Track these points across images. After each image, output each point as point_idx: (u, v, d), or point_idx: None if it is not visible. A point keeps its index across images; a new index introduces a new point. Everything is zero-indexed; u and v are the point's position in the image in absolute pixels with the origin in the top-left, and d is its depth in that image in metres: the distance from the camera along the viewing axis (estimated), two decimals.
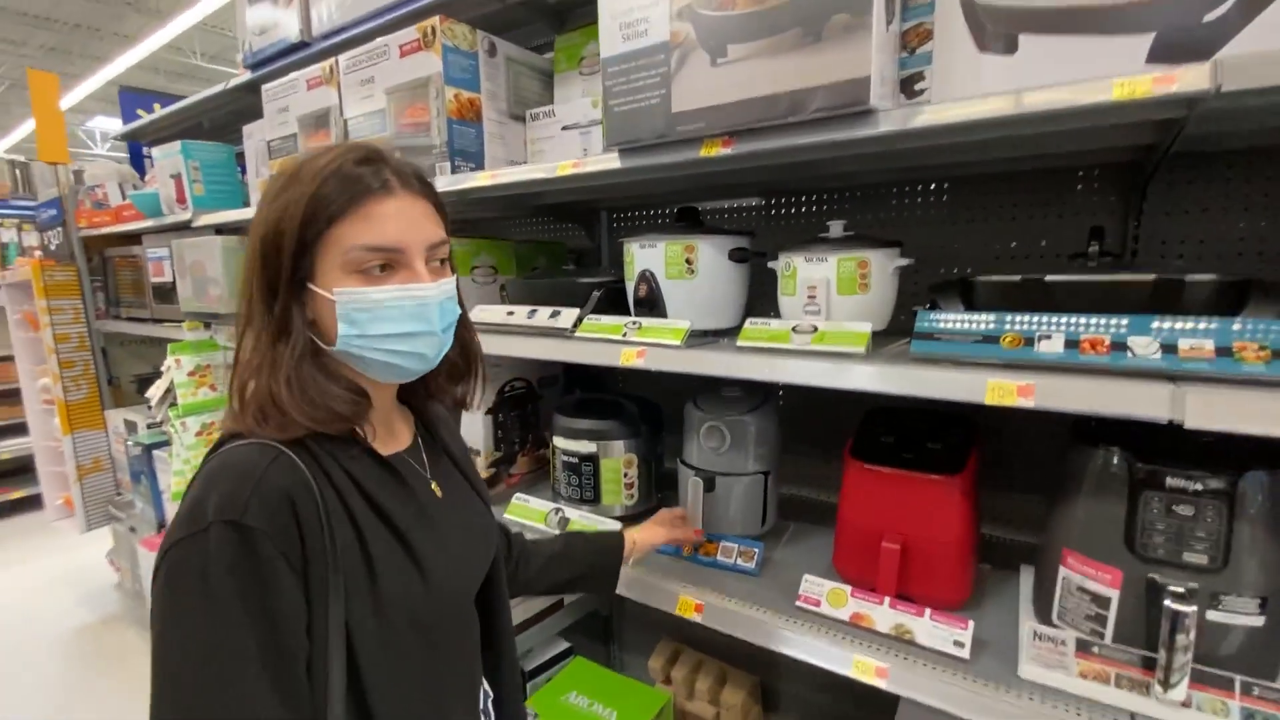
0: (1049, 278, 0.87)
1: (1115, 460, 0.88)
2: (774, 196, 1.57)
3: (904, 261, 1.05)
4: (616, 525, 1.32)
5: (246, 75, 2.08)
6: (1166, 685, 0.80)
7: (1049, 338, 0.82)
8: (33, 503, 3.99)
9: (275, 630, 0.58)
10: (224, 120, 2.64)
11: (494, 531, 0.90)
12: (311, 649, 0.62)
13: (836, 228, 1.09)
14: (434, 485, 0.80)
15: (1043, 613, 1.01)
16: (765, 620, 1.08)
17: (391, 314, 0.68)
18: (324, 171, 0.65)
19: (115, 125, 8.44)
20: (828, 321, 1.01)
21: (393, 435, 0.80)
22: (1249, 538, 0.80)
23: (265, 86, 1.85)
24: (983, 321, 0.88)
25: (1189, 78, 0.64)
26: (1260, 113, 0.79)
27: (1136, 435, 0.90)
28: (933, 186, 1.36)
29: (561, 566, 1.10)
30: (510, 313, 1.39)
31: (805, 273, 1.06)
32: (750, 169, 1.24)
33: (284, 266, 0.66)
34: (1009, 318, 0.86)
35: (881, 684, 0.95)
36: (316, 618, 0.62)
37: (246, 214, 1.98)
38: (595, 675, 1.78)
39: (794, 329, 1.02)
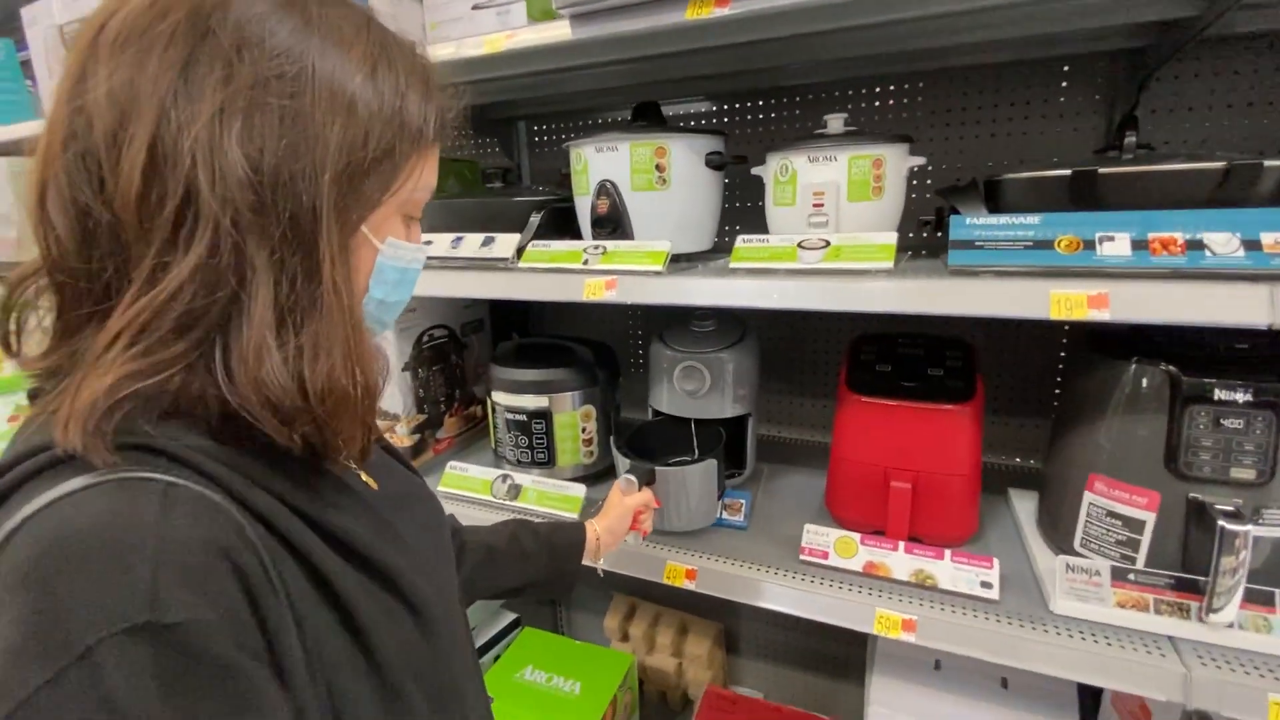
0: (1103, 170, 0.75)
1: (1156, 375, 0.80)
2: (725, 101, 1.37)
3: (918, 160, 0.90)
4: (580, 490, 1.14)
5: None
6: (1212, 608, 0.76)
7: (1112, 239, 0.70)
8: None
9: None
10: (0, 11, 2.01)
11: (440, 507, 0.68)
12: None
13: (836, 122, 0.91)
14: (363, 475, 0.56)
15: (1057, 541, 0.95)
16: (769, 580, 0.95)
17: (409, 278, 0.54)
18: (427, 75, 0.48)
19: None
20: (840, 234, 0.85)
21: None
22: None
23: None
24: (1029, 225, 0.74)
25: None
26: None
27: (1157, 345, 0.84)
28: (908, 86, 1.21)
29: (507, 568, 0.84)
30: (427, 241, 1.11)
31: (809, 176, 0.88)
32: (703, 55, 1.03)
33: (372, 182, 0.45)
34: (1059, 219, 0.74)
35: (910, 638, 0.86)
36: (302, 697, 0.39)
37: (39, 129, 1.49)
38: (548, 645, 1.63)
39: (801, 244, 0.84)
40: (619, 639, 1.74)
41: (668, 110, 1.41)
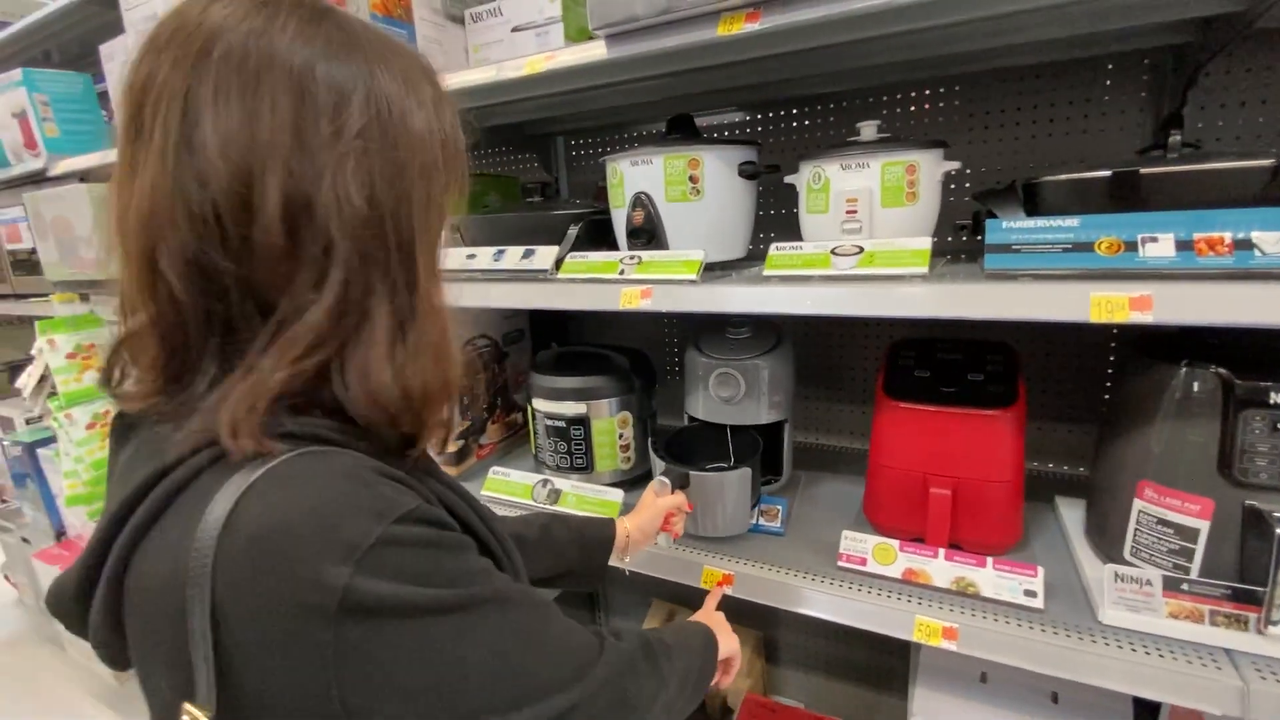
0: (1145, 170, 0.74)
1: (1208, 379, 0.78)
2: (757, 111, 1.38)
3: (952, 165, 0.90)
4: (618, 495, 1.16)
5: None
6: (1271, 620, 0.73)
7: (1155, 240, 0.69)
8: None
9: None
10: (76, 48, 2.17)
11: None
12: None
13: (869, 129, 0.92)
14: None
15: (1106, 550, 0.92)
16: (806, 586, 0.96)
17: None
18: (450, 113, 0.51)
19: None
20: (873, 240, 0.85)
21: None
22: None
23: None
24: (1069, 228, 0.74)
25: None
26: None
27: (1207, 348, 0.81)
28: (944, 90, 1.21)
29: (541, 557, 0.86)
30: (471, 255, 1.16)
31: (841, 183, 0.89)
32: (737, 68, 1.04)
33: (446, 201, 0.50)
34: (1099, 221, 0.73)
35: (951, 646, 0.85)
36: None
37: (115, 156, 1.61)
38: None
39: (834, 251, 0.85)
40: None
41: (702, 121, 1.43)
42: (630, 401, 1.25)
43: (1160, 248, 0.69)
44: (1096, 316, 0.68)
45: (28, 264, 2.02)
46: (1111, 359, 1.19)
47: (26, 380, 1.91)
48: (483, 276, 1.12)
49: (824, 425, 1.48)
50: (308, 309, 0.44)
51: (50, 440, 2.13)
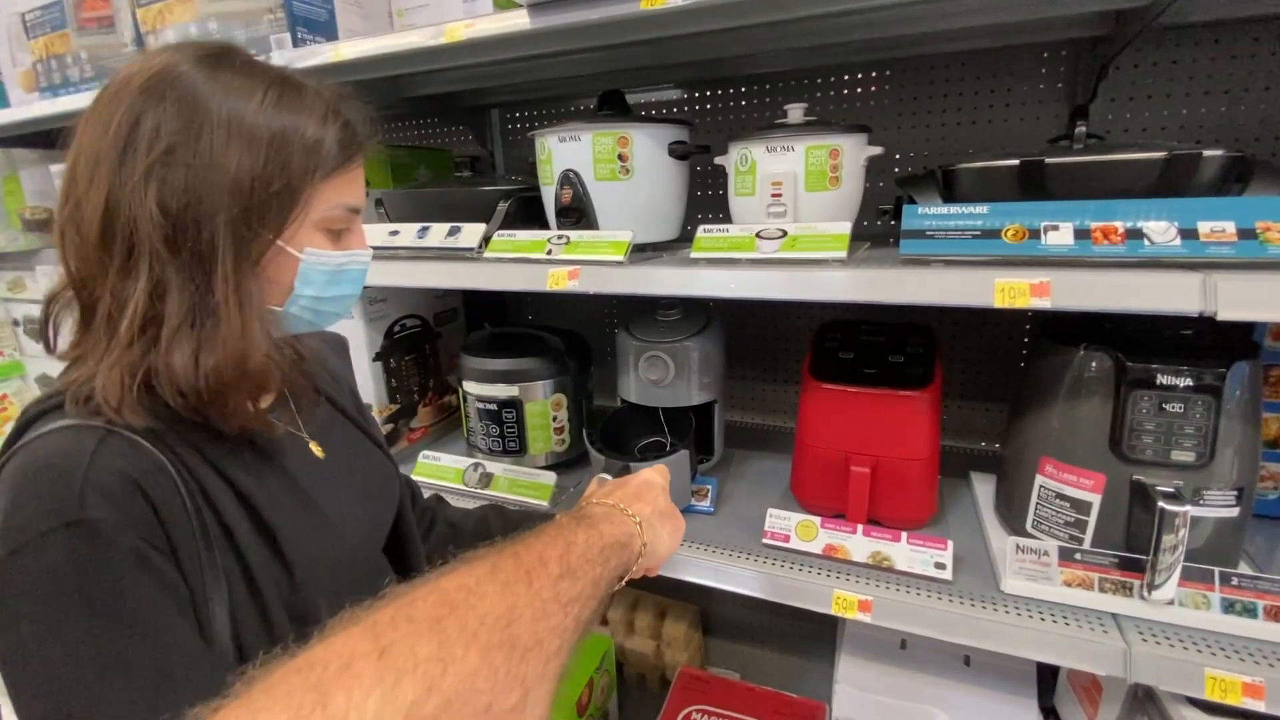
0: (1049, 160, 0.76)
1: (1100, 360, 0.82)
2: (695, 88, 1.37)
3: (875, 150, 0.91)
4: (551, 477, 1.15)
5: None
6: (1153, 584, 0.78)
7: (1056, 228, 0.72)
8: None
9: (156, 627, 0.46)
10: None
11: (394, 481, 0.81)
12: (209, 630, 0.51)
13: (796, 112, 0.92)
14: (313, 445, 0.70)
15: (1011, 523, 0.98)
16: (731, 564, 0.98)
17: (344, 278, 0.65)
18: (329, 113, 0.58)
19: None
20: (797, 224, 0.86)
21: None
22: (1230, 430, 0.78)
23: None
24: (978, 215, 0.76)
25: None
26: None
27: (1106, 332, 0.86)
28: (875, 73, 1.22)
29: (469, 547, 0.86)
30: (394, 232, 1.11)
31: (767, 166, 0.89)
32: (669, 44, 1.03)
33: (273, 212, 0.56)
34: (1006, 209, 0.75)
35: (866, 618, 0.88)
36: (202, 601, 0.51)
37: (4, 117, 1.47)
38: None
39: (759, 234, 0.85)
40: (598, 623, 1.77)
41: (638, 99, 1.41)
42: (564, 383, 1.23)
43: (1060, 236, 0.71)
44: (1000, 302, 0.70)
45: None
46: (1025, 340, 1.24)
47: None
48: (406, 254, 1.08)
49: (756, 405, 1.50)
50: (127, 302, 0.52)
51: None
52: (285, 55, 1.05)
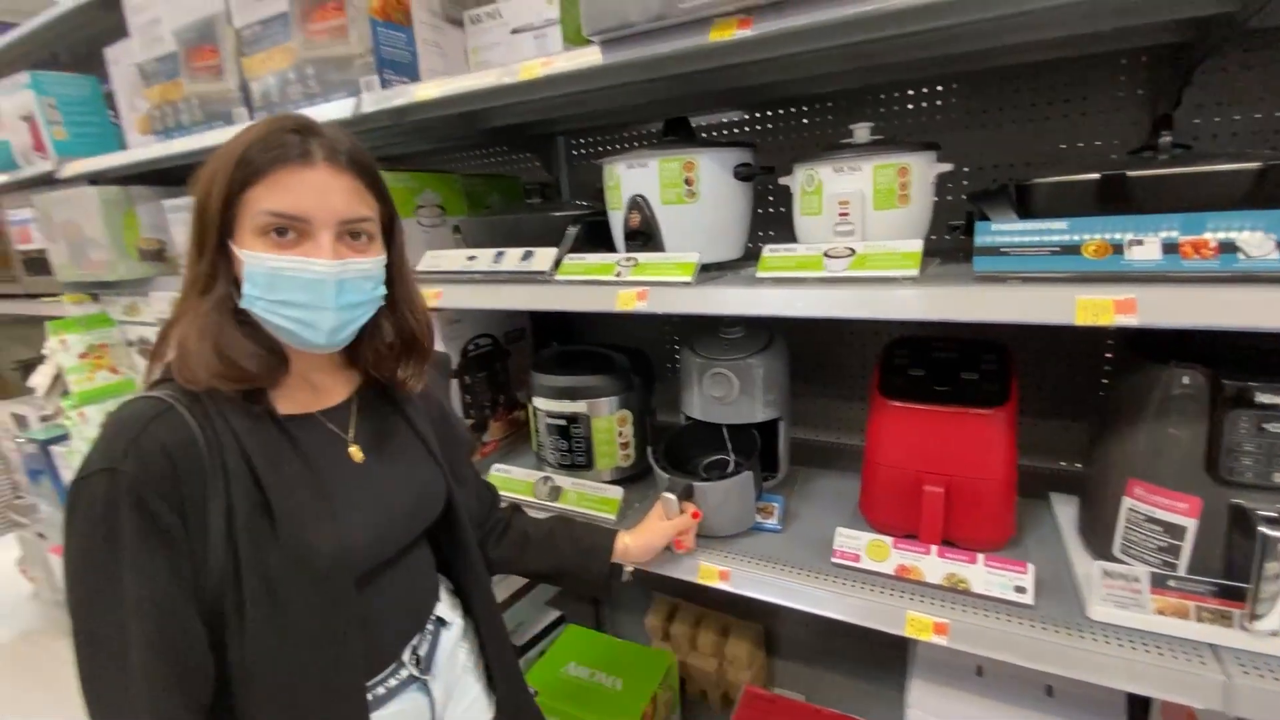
0: (1132, 173, 0.75)
1: (1196, 379, 0.79)
2: (758, 109, 1.39)
3: (945, 167, 0.91)
4: (618, 492, 1.18)
5: None
6: (1254, 615, 0.74)
7: (1141, 243, 0.70)
8: None
9: (154, 564, 0.61)
10: (84, 49, 2.19)
11: (436, 500, 0.86)
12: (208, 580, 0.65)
13: (863, 131, 0.93)
14: (354, 449, 0.78)
15: (1097, 547, 0.94)
16: (800, 583, 0.97)
17: (286, 283, 0.68)
18: (252, 135, 0.68)
19: None
20: (865, 242, 0.86)
21: (316, 394, 0.78)
22: None
23: None
24: (1057, 230, 0.75)
25: None
26: None
27: (1199, 349, 0.82)
28: (944, 87, 1.21)
29: (536, 555, 1.00)
30: (471, 257, 1.18)
31: (834, 186, 0.90)
32: (733, 70, 1.05)
33: (209, 223, 0.68)
34: (1087, 223, 0.74)
35: (942, 641, 0.86)
36: (199, 548, 0.64)
37: (124, 159, 1.63)
38: (591, 642, 1.68)
39: (826, 253, 0.86)
40: (660, 638, 1.78)
41: (700, 121, 1.44)
42: (629, 400, 1.26)
43: (1146, 250, 0.70)
44: (1082, 319, 0.69)
45: (38, 265, 2.05)
46: (1107, 356, 1.19)
47: (40, 379, 1.95)
48: (483, 278, 1.14)
49: (821, 421, 1.49)
50: None
51: (63, 438, 2.17)
52: (374, 97, 1.13)
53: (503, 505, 1.05)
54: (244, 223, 0.67)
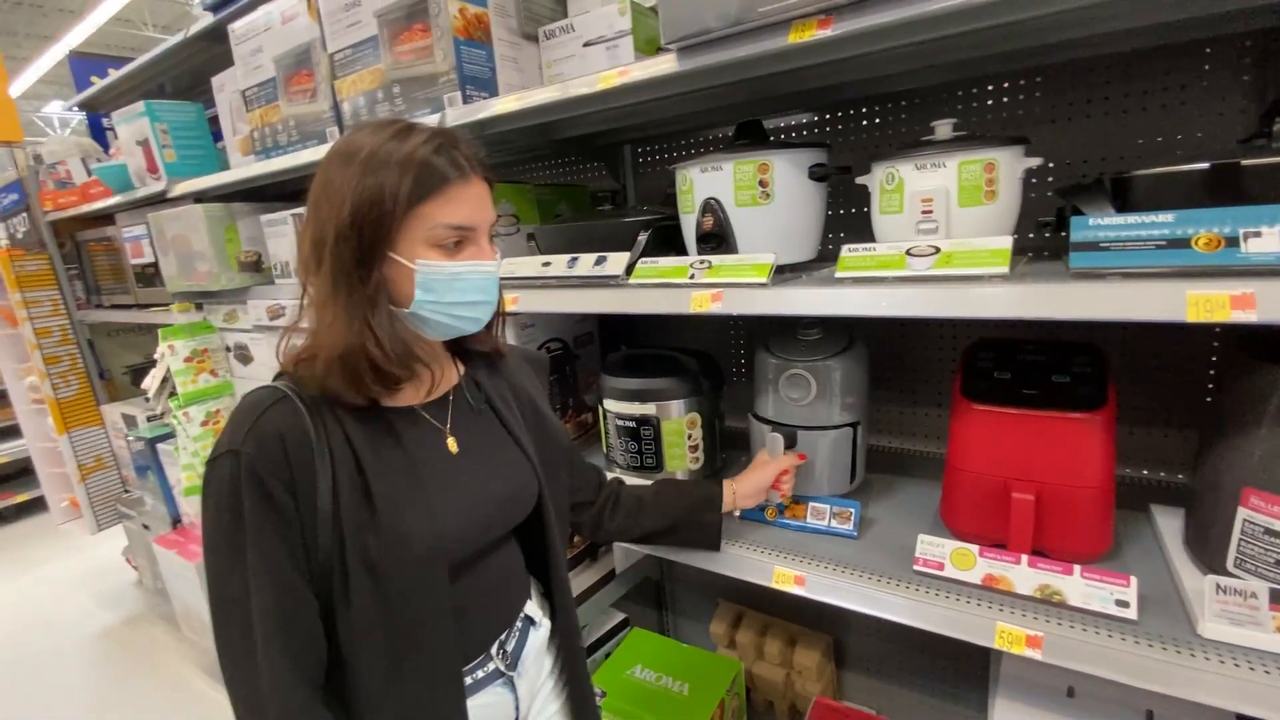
0: (1247, 161, 0.70)
1: None
2: (827, 111, 1.38)
3: (1034, 161, 0.88)
4: None
5: (207, 19, 1.83)
6: None
7: (1259, 235, 0.66)
8: (37, 505, 3.85)
9: (270, 538, 0.67)
10: (187, 80, 2.39)
11: (529, 493, 0.89)
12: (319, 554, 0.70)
13: (945, 128, 0.91)
14: (450, 440, 0.82)
15: (1207, 560, 0.88)
16: (880, 590, 0.95)
17: (464, 285, 0.76)
18: (415, 158, 0.71)
19: (74, 114, 8.00)
20: (950, 240, 0.84)
21: (421, 387, 0.82)
22: None
23: (232, 27, 1.62)
24: (1163, 223, 0.71)
25: None
26: None
27: None
28: (1025, 81, 1.17)
29: (651, 514, 1.07)
30: (546, 263, 1.21)
31: (916, 183, 0.88)
32: (806, 72, 1.05)
33: (378, 239, 0.71)
34: (1196, 216, 0.70)
35: (1036, 655, 0.82)
36: (309, 523, 0.70)
37: (227, 178, 1.77)
38: (657, 646, 1.69)
39: (909, 252, 0.85)
40: (725, 645, 1.76)
41: (771, 124, 1.44)
42: (698, 403, 1.27)
43: (1265, 243, 0.65)
44: (1194, 316, 0.65)
45: (147, 276, 2.24)
46: (1213, 360, 1.12)
47: (151, 382, 2.12)
48: (557, 283, 1.17)
49: (899, 429, 1.45)
50: (303, 298, 0.78)
51: (169, 436, 2.35)
52: (457, 112, 1.19)
53: (609, 479, 1.11)
54: (413, 235, 0.72)
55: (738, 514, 1.06)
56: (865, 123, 1.34)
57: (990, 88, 1.20)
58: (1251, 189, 0.71)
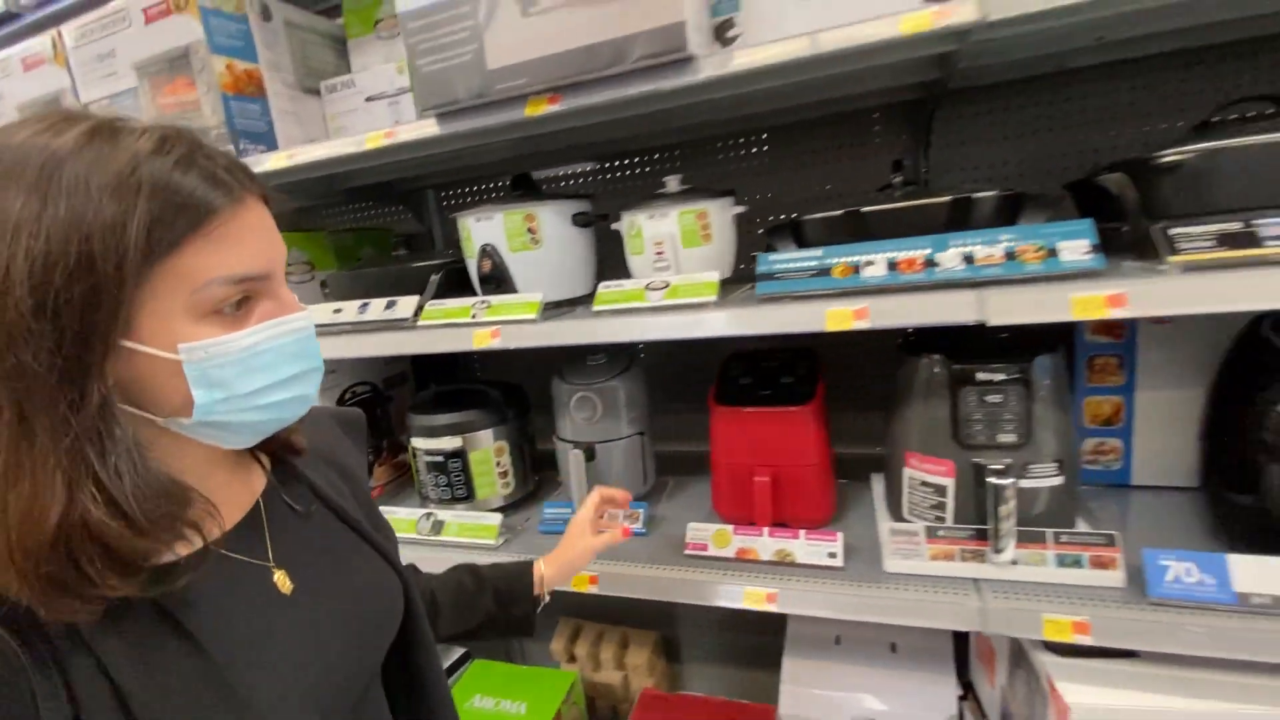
0: (864, 209, 0.95)
1: (937, 365, 0.99)
2: (608, 160, 1.56)
3: (739, 209, 1.09)
4: (495, 518, 1.26)
5: None
6: (997, 549, 0.93)
7: (872, 263, 0.89)
8: None
9: None
10: None
11: (395, 602, 0.67)
12: None
13: (673, 182, 1.10)
14: (279, 575, 0.57)
15: (895, 512, 1.12)
16: (659, 576, 1.10)
17: (269, 359, 0.51)
18: (143, 177, 0.43)
19: None
20: (678, 275, 1.02)
21: (211, 518, 0.53)
22: (1042, 413, 0.95)
23: None
24: (814, 257, 0.93)
25: (962, 11, 0.71)
26: (1021, 43, 0.90)
27: (949, 342, 1.03)
28: (754, 137, 1.42)
29: (453, 618, 0.88)
30: (337, 310, 1.25)
31: (650, 230, 1.06)
32: (579, 128, 1.20)
33: (96, 324, 0.43)
34: (836, 250, 0.93)
35: (772, 608, 1.01)
36: None
37: None
38: (496, 674, 1.72)
39: (647, 286, 1.01)
40: (566, 660, 1.84)
41: (555, 172, 1.59)
42: (505, 431, 1.36)
43: (875, 269, 0.89)
44: (832, 326, 0.87)
45: None
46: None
47: None
48: (351, 329, 1.21)
49: (686, 434, 1.64)
50: None
51: None
52: None
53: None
54: (164, 305, 0.46)
55: (548, 598, 0.96)
56: (632, 173, 1.54)
57: (730, 143, 1.44)
58: (874, 228, 0.96)
